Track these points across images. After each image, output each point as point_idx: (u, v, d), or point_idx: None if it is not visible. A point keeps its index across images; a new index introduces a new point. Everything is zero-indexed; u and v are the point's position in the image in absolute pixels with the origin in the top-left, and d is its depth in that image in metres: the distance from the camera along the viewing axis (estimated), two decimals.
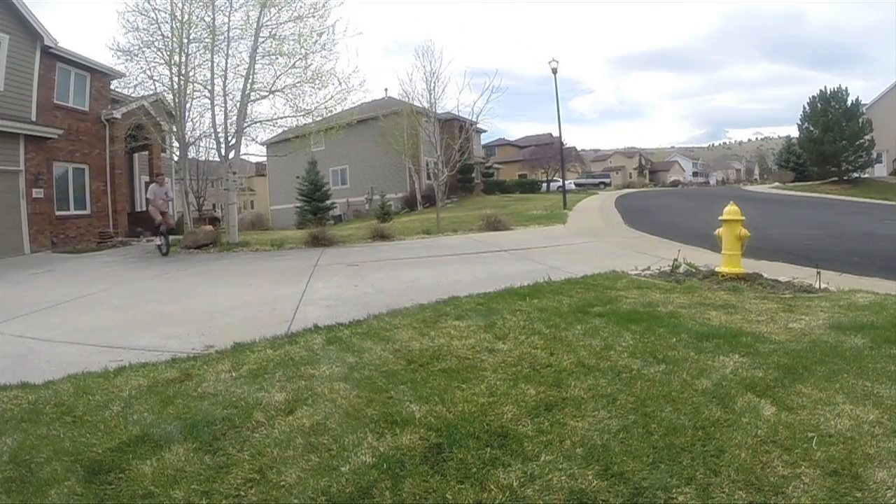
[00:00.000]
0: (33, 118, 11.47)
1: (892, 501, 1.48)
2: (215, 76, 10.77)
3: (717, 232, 5.12)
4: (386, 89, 27.76)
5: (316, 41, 10.59)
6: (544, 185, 36.72)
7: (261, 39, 10.50)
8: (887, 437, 1.80)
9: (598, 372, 2.48)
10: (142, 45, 10.49)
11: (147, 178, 16.75)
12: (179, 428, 2.05)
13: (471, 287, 4.69)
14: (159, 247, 9.84)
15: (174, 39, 10.40)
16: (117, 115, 13.85)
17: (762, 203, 16.97)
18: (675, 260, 5.41)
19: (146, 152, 16.16)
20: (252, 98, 10.70)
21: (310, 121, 11.45)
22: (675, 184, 48.42)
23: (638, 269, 5.47)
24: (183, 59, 10.55)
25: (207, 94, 10.91)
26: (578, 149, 61.06)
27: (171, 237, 10.11)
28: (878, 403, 2.06)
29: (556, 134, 31.72)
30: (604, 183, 43.30)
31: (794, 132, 33.64)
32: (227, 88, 10.93)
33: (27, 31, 11.40)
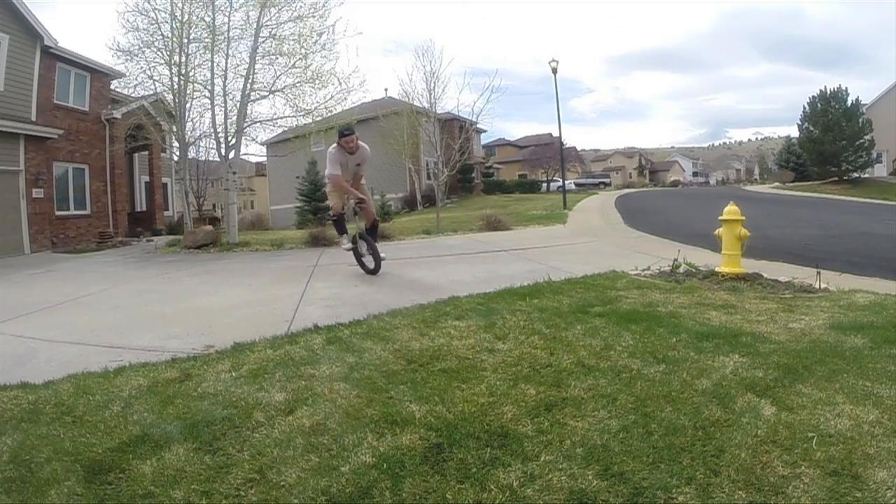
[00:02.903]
0: (33, 118, 11.48)
1: (892, 501, 1.48)
2: (215, 76, 10.77)
3: (717, 232, 5.12)
4: (386, 89, 27.77)
5: (316, 41, 10.59)
6: (544, 185, 36.76)
7: (261, 39, 10.50)
8: (887, 437, 1.80)
9: (598, 372, 2.48)
10: (142, 45, 10.49)
11: (147, 178, 16.71)
12: (179, 428, 2.04)
13: (471, 287, 4.69)
14: (359, 257, 6.01)
15: (174, 39, 10.40)
16: (117, 115, 13.87)
17: (762, 203, 16.97)
18: (675, 260, 5.41)
19: (146, 152, 16.18)
20: (252, 98, 10.69)
21: (310, 121, 11.44)
22: (675, 184, 48.47)
23: (638, 269, 5.47)
24: (183, 59, 10.55)
25: (207, 94, 10.90)
26: (578, 149, 61.18)
27: (170, 237, 9.37)
28: (878, 403, 2.06)
29: (556, 134, 31.76)
30: (604, 183, 43.37)
31: (794, 132, 33.72)
32: (227, 88, 10.93)
33: (27, 31, 11.40)
